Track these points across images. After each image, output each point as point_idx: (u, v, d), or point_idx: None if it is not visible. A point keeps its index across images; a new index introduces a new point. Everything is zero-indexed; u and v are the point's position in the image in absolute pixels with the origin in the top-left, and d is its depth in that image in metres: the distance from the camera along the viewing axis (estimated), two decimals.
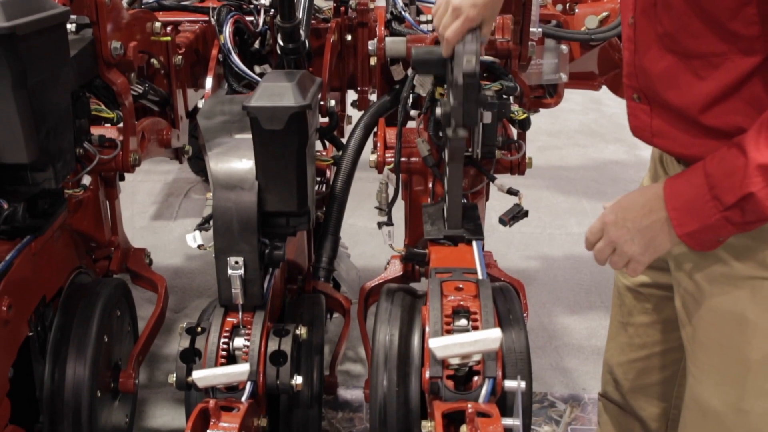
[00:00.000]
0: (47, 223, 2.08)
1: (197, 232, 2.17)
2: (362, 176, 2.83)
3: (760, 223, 1.45)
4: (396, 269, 2.53)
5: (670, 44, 1.53)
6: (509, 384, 1.62)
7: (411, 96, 2.31)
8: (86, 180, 2.41)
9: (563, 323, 3.35)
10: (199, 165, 4.48)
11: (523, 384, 1.61)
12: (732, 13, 1.41)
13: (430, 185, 2.23)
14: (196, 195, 4.60)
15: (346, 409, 2.89)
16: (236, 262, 2.04)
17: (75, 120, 2.14)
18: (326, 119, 2.61)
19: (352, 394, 2.95)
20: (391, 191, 2.26)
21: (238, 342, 2.05)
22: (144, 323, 2.57)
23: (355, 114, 2.92)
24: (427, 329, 1.77)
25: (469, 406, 1.54)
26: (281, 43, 2.38)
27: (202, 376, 1.92)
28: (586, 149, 5.35)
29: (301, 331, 2.10)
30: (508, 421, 1.57)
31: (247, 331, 2.05)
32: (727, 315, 1.61)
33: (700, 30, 1.46)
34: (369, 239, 3.93)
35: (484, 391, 1.62)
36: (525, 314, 2.16)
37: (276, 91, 1.96)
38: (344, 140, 2.65)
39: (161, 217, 4.41)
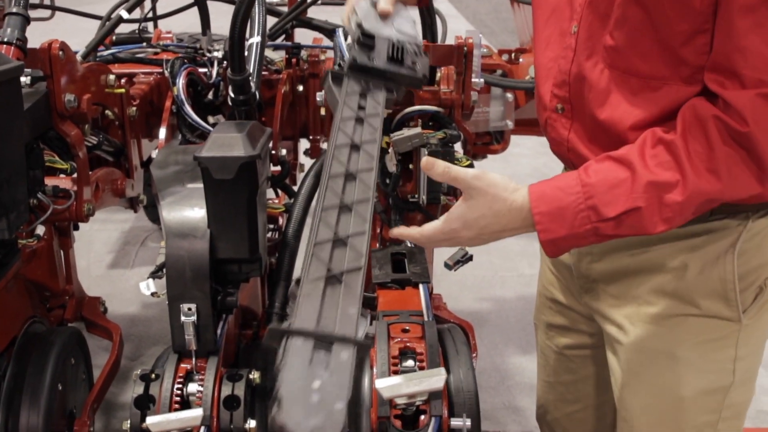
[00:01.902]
0: (0, 273, 2.10)
1: (150, 280, 2.20)
2: None
3: (624, 236, 1.48)
4: None
5: (615, 59, 1.51)
6: (455, 422, 1.67)
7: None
8: (40, 230, 2.43)
9: (515, 363, 3.41)
10: (155, 213, 4.50)
11: (468, 422, 1.66)
12: (685, 39, 1.41)
13: (379, 231, 2.30)
14: (152, 243, 4.63)
15: None
16: (189, 309, 2.08)
17: (29, 171, 2.17)
18: (278, 168, 2.66)
19: None
20: None
21: (192, 387, 2.07)
22: (99, 371, 2.58)
23: (307, 162, 2.98)
24: (374, 371, 1.82)
25: None
26: (232, 95, 2.44)
27: (156, 421, 1.94)
28: None
29: (255, 375, 2.14)
30: None
31: (200, 377, 2.08)
32: (655, 355, 1.63)
33: (650, 50, 1.46)
34: None
35: (430, 429, 1.67)
36: (474, 354, 2.21)
37: (226, 142, 2.02)
38: (296, 188, 2.70)
39: (118, 266, 4.42)
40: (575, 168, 1.59)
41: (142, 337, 3.72)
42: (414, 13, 2.01)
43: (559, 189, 1.46)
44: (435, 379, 1.62)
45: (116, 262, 4.47)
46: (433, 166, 1.50)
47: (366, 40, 1.67)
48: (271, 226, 2.86)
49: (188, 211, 2.14)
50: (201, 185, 2.09)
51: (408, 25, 1.75)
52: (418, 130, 2.17)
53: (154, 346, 3.63)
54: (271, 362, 2.43)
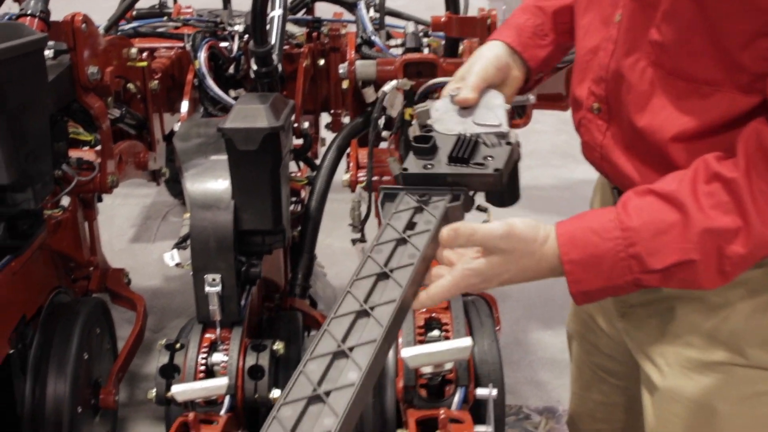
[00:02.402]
0: (26, 243, 2.12)
1: (175, 250, 2.21)
2: (338, 197, 2.88)
3: (669, 287, 1.29)
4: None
5: (660, 57, 1.29)
6: (481, 392, 1.69)
7: (382, 117, 2.38)
8: (65, 201, 2.45)
9: (538, 338, 3.41)
10: (176, 188, 4.52)
11: (494, 391, 1.67)
12: (745, 41, 1.19)
13: None
14: (174, 218, 4.64)
15: None
16: (213, 280, 2.10)
17: (53, 143, 2.19)
18: (300, 141, 2.67)
19: None
20: (363, 209, 2.32)
21: (216, 357, 2.09)
22: (123, 343, 2.61)
23: (329, 136, 2.98)
24: (400, 341, 1.83)
25: (442, 412, 1.60)
26: (255, 68, 2.44)
27: (181, 390, 1.97)
28: (558, 169, 5.42)
29: (279, 346, 2.15)
30: (480, 428, 1.63)
31: (224, 347, 2.09)
32: (692, 406, 1.41)
33: (702, 50, 1.23)
34: (345, 259, 3.98)
35: (456, 398, 1.68)
36: (497, 327, 2.22)
37: (250, 113, 2.02)
38: (318, 162, 2.71)
39: (140, 240, 4.44)
40: (608, 178, 1.46)
41: (165, 310, 3.74)
42: None
43: (593, 232, 1.24)
44: (462, 347, 1.62)
45: (138, 236, 4.49)
46: (455, 238, 1.27)
47: (422, 142, 1.41)
48: (294, 198, 2.87)
49: (212, 182, 2.15)
50: (224, 157, 2.11)
51: (491, 114, 1.47)
52: None
53: (176, 318, 3.65)
54: (294, 334, 2.45)
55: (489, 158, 1.37)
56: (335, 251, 4.10)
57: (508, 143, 1.40)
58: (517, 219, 1.26)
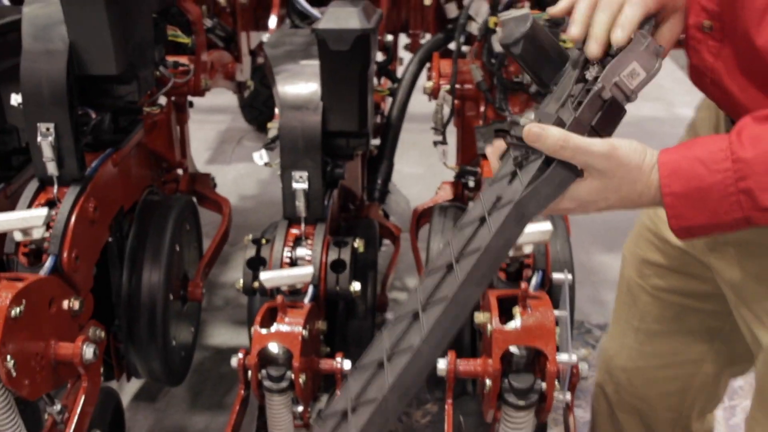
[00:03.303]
0: (126, 138, 2.25)
1: (263, 150, 2.32)
2: (409, 127, 2.97)
3: None
4: (446, 193, 2.69)
5: None
6: (557, 276, 1.77)
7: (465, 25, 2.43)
8: (162, 101, 2.57)
9: (600, 261, 3.51)
10: (251, 114, 4.66)
11: (570, 276, 1.75)
12: None
13: (482, 109, 2.38)
14: (248, 142, 4.78)
15: None
16: (300, 177, 2.20)
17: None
18: (383, 54, 2.75)
19: None
20: (446, 112, 2.40)
21: (301, 252, 2.20)
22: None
23: (406, 56, 3.06)
24: None
25: (521, 288, 1.66)
26: None
27: (269, 277, 2.08)
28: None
29: (359, 243, 2.26)
30: (556, 312, 1.71)
31: (309, 242, 2.21)
32: None
33: None
34: (414, 183, 4.09)
35: (534, 280, 1.77)
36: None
37: (342, 15, 2.11)
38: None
39: (215, 162, 4.59)
40: (720, 106, 1.31)
41: (240, 227, 3.86)
42: None
43: (699, 162, 1.10)
44: (542, 231, 1.70)
45: (214, 158, 4.64)
46: (541, 137, 1.10)
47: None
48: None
49: (302, 85, 2.25)
50: (314, 62, 2.20)
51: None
52: (527, 10, 2.21)
53: (251, 232, 3.80)
54: (372, 238, 2.55)
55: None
56: (404, 176, 4.21)
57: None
58: (623, 140, 1.13)
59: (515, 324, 1.62)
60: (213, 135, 4.92)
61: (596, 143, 1.10)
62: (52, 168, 1.92)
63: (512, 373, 1.62)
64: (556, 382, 1.61)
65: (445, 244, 1.18)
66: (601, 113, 1.12)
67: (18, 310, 1.64)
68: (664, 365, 1.70)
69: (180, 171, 2.82)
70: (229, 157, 4.63)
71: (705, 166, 1.09)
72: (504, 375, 1.62)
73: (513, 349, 1.61)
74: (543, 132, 1.08)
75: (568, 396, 1.67)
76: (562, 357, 1.60)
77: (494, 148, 1.24)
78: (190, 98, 2.76)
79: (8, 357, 1.62)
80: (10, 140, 2.21)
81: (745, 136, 1.08)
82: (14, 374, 1.64)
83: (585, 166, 1.11)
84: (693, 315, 1.60)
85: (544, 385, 1.61)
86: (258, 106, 4.51)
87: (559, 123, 1.12)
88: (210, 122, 5.03)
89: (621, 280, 1.77)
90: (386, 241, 3.00)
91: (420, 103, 3.05)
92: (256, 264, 2.23)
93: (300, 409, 2.04)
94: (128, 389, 2.81)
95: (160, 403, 2.82)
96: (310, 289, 2.12)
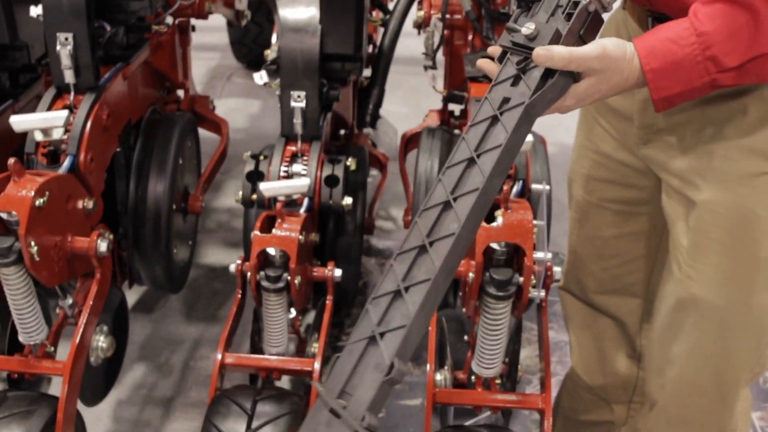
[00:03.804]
0: (135, 54, 2.38)
1: (263, 71, 2.46)
2: (395, 69, 3.08)
3: (743, 84, 1.37)
4: (433, 120, 2.84)
5: None
6: (536, 186, 1.93)
7: None
8: (168, 20, 2.70)
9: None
10: (241, 51, 4.77)
11: (548, 187, 1.92)
12: None
13: (470, 38, 2.53)
14: (238, 79, 4.89)
15: (378, 256, 3.25)
16: (298, 96, 2.34)
17: None
18: None
19: (384, 244, 3.30)
20: (436, 39, 2.55)
21: (297, 168, 2.35)
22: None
23: None
24: None
25: (503, 191, 1.81)
26: None
27: (268, 187, 2.22)
28: None
29: (351, 162, 2.41)
30: (535, 221, 1.87)
31: (305, 158, 2.36)
32: (733, 215, 1.51)
33: None
34: (399, 121, 4.22)
35: (515, 188, 1.93)
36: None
37: None
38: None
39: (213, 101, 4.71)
40: (650, 3, 1.49)
41: (231, 157, 4.01)
42: None
43: (670, 41, 1.31)
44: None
45: (204, 92, 4.75)
46: (552, 58, 1.28)
47: None
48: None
49: (302, 9, 2.39)
50: None
51: None
52: None
53: (242, 164, 3.94)
54: (362, 160, 2.70)
55: None
56: (390, 113, 4.33)
57: None
58: (606, 39, 1.32)
59: (497, 223, 1.79)
60: (203, 71, 5.02)
61: (591, 49, 1.29)
62: (69, 76, 2.06)
63: (493, 267, 1.79)
64: (532, 278, 1.79)
65: (460, 140, 1.34)
66: (587, 24, 1.32)
67: (41, 201, 1.79)
68: (624, 262, 1.89)
69: (181, 92, 2.95)
70: (219, 93, 4.74)
71: (675, 43, 1.30)
72: (485, 269, 1.79)
73: (494, 245, 1.78)
74: (550, 53, 1.27)
75: (542, 293, 1.85)
76: (538, 254, 1.77)
77: (492, 52, 1.40)
78: (192, 22, 2.89)
79: (32, 243, 1.77)
80: (20, 57, 2.33)
81: (701, 15, 1.29)
82: (37, 258, 1.79)
83: (584, 70, 1.31)
84: (636, 218, 1.81)
85: (521, 279, 1.78)
86: (248, 43, 4.62)
87: (557, 34, 1.30)
88: (200, 59, 5.11)
89: (571, 202, 1.96)
90: (373, 172, 3.16)
91: (407, 48, 3.18)
92: (255, 178, 2.38)
93: (292, 316, 2.21)
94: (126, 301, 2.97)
95: (157, 314, 2.98)
96: (306, 201, 2.27)
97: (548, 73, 1.30)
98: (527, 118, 1.30)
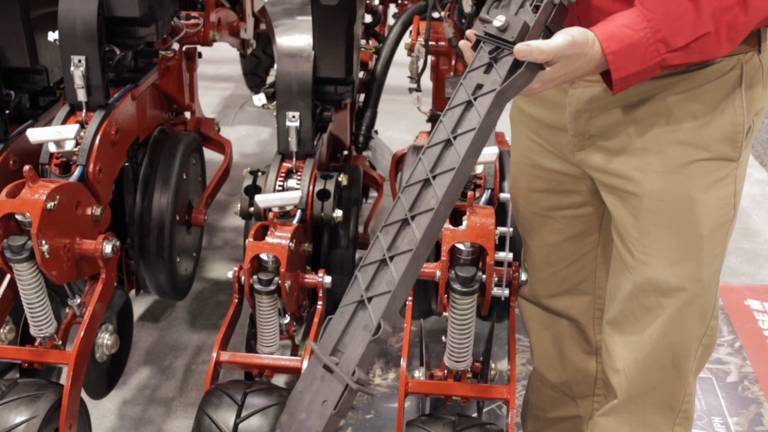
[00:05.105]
0: (144, 77, 2.59)
1: (262, 94, 2.65)
2: (399, 99, 3.25)
3: (689, 63, 1.53)
4: (422, 140, 3.02)
5: None
6: (504, 196, 2.08)
7: None
8: (175, 47, 2.91)
9: None
10: (254, 81, 4.99)
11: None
12: None
13: (453, 63, 2.72)
14: (250, 108, 5.11)
15: None
16: (293, 116, 2.53)
17: None
18: (370, 16, 3.09)
19: None
20: (420, 63, 2.74)
21: (291, 182, 2.53)
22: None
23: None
24: None
25: (468, 197, 1.99)
26: None
27: (263, 199, 2.40)
28: None
29: (342, 178, 2.59)
30: (502, 228, 2.04)
31: (298, 174, 2.54)
32: (674, 200, 1.69)
33: None
34: (403, 146, 4.42)
35: (483, 198, 2.10)
36: None
37: None
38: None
39: (219, 124, 4.92)
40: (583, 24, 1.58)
41: (239, 180, 4.20)
42: None
43: (626, 27, 1.47)
44: (489, 153, 2.03)
45: (218, 120, 4.97)
46: (532, 53, 1.43)
47: None
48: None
49: (297, 36, 2.59)
50: (308, 18, 2.54)
51: None
52: None
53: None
54: (356, 178, 2.89)
55: None
56: (394, 140, 4.54)
57: None
58: (570, 28, 1.48)
59: (462, 226, 1.97)
60: (217, 101, 5.26)
61: (560, 40, 1.45)
62: (81, 95, 2.27)
63: (458, 266, 1.96)
64: (495, 278, 1.95)
65: (438, 122, 1.51)
66: (552, 15, 1.48)
67: (52, 204, 1.98)
68: (567, 265, 2.05)
69: (188, 114, 3.15)
70: (232, 120, 4.97)
71: (630, 28, 1.46)
72: (451, 267, 1.95)
73: (459, 245, 1.95)
74: (529, 48, 1.42)
75: (507, 292, 2.00)
76: (500, 254, 1.94)
77: (467, 40, 1.57)
78: (199, 50, 3.11)
79: (43, 242, 1.96)
80: (40, 80, 2.54)
81: (647, 4, 1.46)
82: (47, 256, 1.98)
83: (557, 59, 1.46)
84: (577, 221, 1.98)
85: (484, 276, 1.95)
86: (260, 73, 4.84)
87: (525, 26, 1.46)
88: (215, 89, 5.37)
89: (517, 216, 2.10)
90: (374, 193, 3.34)
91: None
92: (252, 191, 2.56)
93: (285, 321, 2.37)
94: (134, 310, 3.15)
95: (163, 323, 3.17)
96: (298, 213, 2.44)
97: (518, 62, 1.45)
98: (498, 104, 1.46)
